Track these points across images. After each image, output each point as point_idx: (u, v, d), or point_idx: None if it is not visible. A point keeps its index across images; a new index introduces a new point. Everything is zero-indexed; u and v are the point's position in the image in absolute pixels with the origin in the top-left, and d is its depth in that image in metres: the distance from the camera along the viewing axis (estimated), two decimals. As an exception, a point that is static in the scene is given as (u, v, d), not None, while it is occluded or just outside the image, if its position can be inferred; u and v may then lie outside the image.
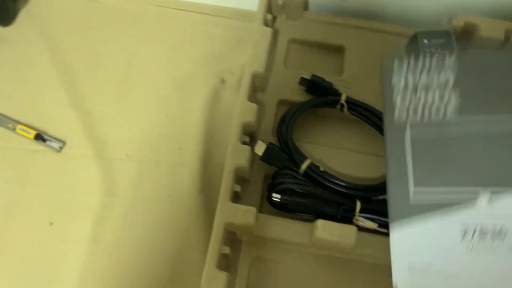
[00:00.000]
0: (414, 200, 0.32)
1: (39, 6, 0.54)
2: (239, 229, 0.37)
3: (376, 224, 0.37)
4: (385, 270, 0.37)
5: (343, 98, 0.42)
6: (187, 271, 0.41)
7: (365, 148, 0.43)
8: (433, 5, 0.50)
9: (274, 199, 0.38)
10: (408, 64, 0.37)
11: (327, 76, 0.45)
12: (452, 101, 0.34)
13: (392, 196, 0.33)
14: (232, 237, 0.39)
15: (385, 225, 0.37)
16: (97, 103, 0.48)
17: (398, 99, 0.36)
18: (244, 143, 0.39)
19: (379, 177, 0.40)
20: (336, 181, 0.38)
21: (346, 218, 0.37)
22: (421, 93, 0.35)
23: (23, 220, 0.43)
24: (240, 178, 0.40)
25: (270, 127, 0.44)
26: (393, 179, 0.33)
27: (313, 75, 0.43)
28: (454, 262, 0.30)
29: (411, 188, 0.32)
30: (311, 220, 0.37)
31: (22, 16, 0.53)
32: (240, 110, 0.40)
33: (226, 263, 0.37)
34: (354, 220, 0.37)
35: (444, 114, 0.34)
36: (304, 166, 0.39)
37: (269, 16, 0.46)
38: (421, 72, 0.36)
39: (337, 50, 0.48)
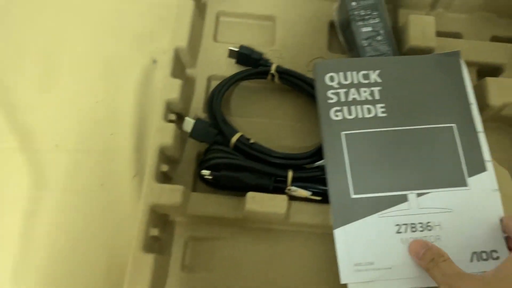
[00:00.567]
0: (353, 204, 0.34)
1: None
2: (168, 209, 0.36)
3: (310, 193, 0.36)
4: (321, 237, 0.37)
5: (273, 68, 0.41)
6: (125, 259, 0.39)
7: (299, 117, 0.42)
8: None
9: (204, 175, 0.36)
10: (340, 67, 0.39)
11: (260, 47, 0.43)
12: (379, 109, 0.37)
13: (334, 201, 0.35)
14: (165, 219, 0.38)
15: (319, 193, 0.36)
16: (21, 93, 0.45)
17: (331, 102, 0.37)
18: (171, 121, 0.38)
19: (314, 145, 0.40)
20: (267, 152, 0.37)
21: (278, 188, 0.36)
22: (353, 97, 0.38)
23: None
24: (169, 158, 0.38)
25: (201, 104, 0.42)
26: (333, 185, 0.35)
27: (241, 46, 0.42)
28: (392, 254, 0.33)
29: (351, 195, 0.34)
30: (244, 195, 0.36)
31: None
32: (163, 86, 0.38)
33: (157, 246, 0.36)
34: (286, 190, 0.36)
35: (375, 118, 0.37)
36: (233, 139, 0.37)
37: (194, -11, 0.44)
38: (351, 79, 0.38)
39: (268, 20, 0.46)
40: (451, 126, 0.36)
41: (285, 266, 0.37)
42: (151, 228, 0.34)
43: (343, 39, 0.45)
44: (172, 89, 0.38)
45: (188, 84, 0.41)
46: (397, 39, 0.42)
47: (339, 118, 0.36)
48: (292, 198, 0.36)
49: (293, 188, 0.36)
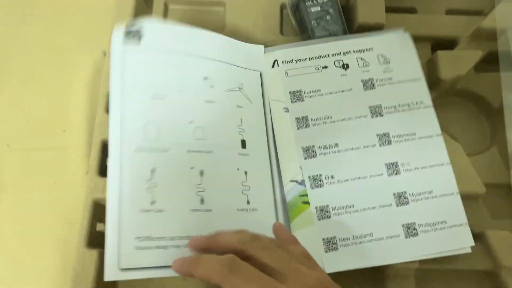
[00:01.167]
0: None
1: None
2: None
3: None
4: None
5: (221, 54, 0.40)
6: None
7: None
8: None
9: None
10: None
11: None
12: None
13: None
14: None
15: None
16: (-31, 94, 0.44)
17: None
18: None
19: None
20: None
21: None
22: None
23: None
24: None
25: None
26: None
27: (189, 32, 0.41)
28: None
29: None
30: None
31: None
32: (104, 78, 0.37)
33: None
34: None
35: None
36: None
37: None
38: None
39: (218, 6, 0.45)
40: None
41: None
42: (97, 222, 0.34)
43: (294, 21, 0.44)
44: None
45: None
46: (347, 18, 0.41)
47: None
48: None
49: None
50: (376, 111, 0.37)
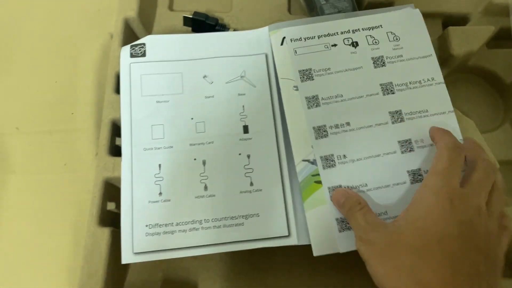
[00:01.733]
0: None
1: None
2: (123, 181, 0.35)
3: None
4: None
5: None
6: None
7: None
8: None
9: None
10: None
11: (217, 14, 0.42)
12: None
13: None
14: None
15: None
16: (-23, 78, 0.45)
17: None
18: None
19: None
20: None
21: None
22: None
23: None
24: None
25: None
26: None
27: (195, 13, 0.41)
28: None
29: None
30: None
31: None
32: (113, 58, 0.37)
33: (115, 219, 0.35)
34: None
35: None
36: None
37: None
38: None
39: (224, -15, 0.45)
40: None
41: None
42: (108, 201, 0.34)
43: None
44: (122, 60, 0.36)
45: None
46: (356, -6, 0.41)
47: None
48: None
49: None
50: (387, 89, 0.36)
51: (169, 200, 0.33)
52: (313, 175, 0.33)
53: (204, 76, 0.37)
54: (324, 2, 0.40)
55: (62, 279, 0.38)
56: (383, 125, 0.35)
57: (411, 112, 0.35)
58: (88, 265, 0.31)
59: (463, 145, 0.31)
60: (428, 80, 0.36)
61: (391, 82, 0.36)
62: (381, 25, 0.38)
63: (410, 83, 0.36)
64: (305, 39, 0.38)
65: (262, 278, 0.35)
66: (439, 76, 0.36)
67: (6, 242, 0.39)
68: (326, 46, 0.38)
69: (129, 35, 0.39)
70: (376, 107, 0.35)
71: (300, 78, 0.36)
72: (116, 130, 0.36)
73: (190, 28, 0.42)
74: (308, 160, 0.34)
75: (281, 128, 0.35)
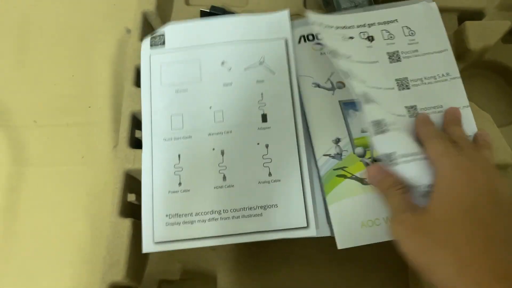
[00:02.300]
0: None
1: None
2: (144, 174, 0.36)
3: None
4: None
5: (246, 27, 0.40)
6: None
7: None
8: None
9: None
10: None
11: (234, 8, 0.42)
12: None
13: None
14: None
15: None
16: (-4, 71, 0.45)
17: None
18: (141, 86, 0.37)
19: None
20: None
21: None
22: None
23: None
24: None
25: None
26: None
27: (212, 7, 0.41)
28: None
29: None
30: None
31: None
32: (132, 51, 0.37)
33: (135, 211, 0.36)
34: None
35: None
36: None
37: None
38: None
39: (240, -20, 0.45)
40: None
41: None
42: (128, 193, 0.34)
43: (318, -7, 0.43)
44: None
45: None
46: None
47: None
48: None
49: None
50: (402, 84, 0.36)
51: (189, 190, 0.33)
52: (334, 169, 0.33)
53: (222, 63, 0.36)
54: (340, -4, 0.40)
55: (81, 269, 0.38)
56: (401, 117, 0.35)
57: (426, 107, 0.35)
58: (110, 255, 0.32)
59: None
60: (443, 75, 0.36)
61: (406, 78, 0.36)
62: (396, 20, 0.39)
63: (425, 78, 0.36)
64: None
65: (279, 270, 0.36)
66: (455, 70, 0.36)
67: (25, 234, 0.40)
68: (344, 38, 0.38)
69: (147, 30, 0.39)
70: (393, 101, 0.35)
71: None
72: (135, 122, 0.36)
73: (206, 22, 0.42)
74: (329, 155, 0.34)
75: (300, 116, 0.35)
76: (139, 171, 0.34)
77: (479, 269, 0.24)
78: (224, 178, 0.33)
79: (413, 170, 0.30)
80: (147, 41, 0.37)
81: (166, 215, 0.32)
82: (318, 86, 0.36)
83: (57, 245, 0.39)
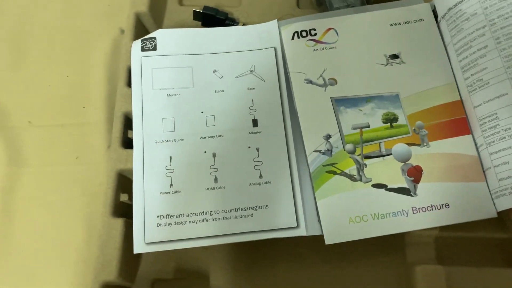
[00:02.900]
0: None
1: None
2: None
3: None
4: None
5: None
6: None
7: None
8: None
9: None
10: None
11: (227, 8, 0.42)
12: None
13: None
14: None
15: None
16: (-10, 72, 0.45)
17: None
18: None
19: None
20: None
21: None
22: None
23: None
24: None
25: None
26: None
27: (205, 7, 0.41)
28: None
29: None
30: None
31: None
32: (124, 52, 0.37)
33: (128, 210, 0.36)
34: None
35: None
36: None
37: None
38: None
39: (234, -20, 0.45)
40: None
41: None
42: (120, 193, 0.34)
43: (311, -7, 0.44)
44: (134, 52, 0.37)
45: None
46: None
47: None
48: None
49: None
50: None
51: (180, 192, 0.33)
52: (324, 165, 0.34)
53: (214, 71, 0.37)
54: (333, -4, 0.40)
55: (75, 269, 0.38)
56: None
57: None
58: (103, 255, 0.32)
59: None
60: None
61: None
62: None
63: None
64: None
65: (271, 269, 0.36)
66: None
67: (20, 233, 0.40)
68: None
69: (140, 30, 0.40)
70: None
71: None
72: (128, 123, 0.36)
73: (200, 23, 0.42)
74: (319, 151, 0.34)
75: (289, 121, 0.36)
76: (131, 171, 0.34)
77: None
78: (216, 180, 0.34)
79: None
80: (137, 44, 0.37)
81: (157, 216, 0.33)
82: (310, 82, 0.36)
83: (52, 244, 0.40)
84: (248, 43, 0.38)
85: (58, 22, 0.47)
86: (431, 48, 0.37)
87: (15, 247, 0.40)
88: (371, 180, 0.33)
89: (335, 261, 0.36)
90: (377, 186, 0.33)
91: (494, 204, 0.32)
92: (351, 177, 0.33)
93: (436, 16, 0.38)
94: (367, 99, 0.35)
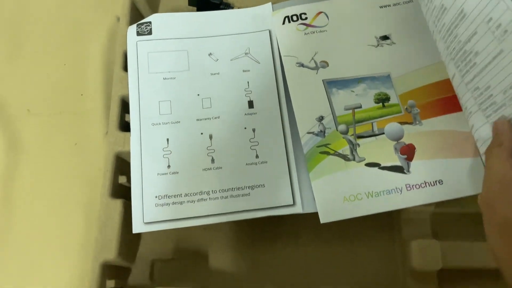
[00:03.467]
0: None
1: None
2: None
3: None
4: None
5: (233, 11, 0.40)
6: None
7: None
8: None
9: None
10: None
11: (222, -6, 0.43)
12: None
13: None
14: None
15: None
16: (-12, 62, 0.46)
17: None
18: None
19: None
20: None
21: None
22: None
23: None
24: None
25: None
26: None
27: (199, -7, 0.41)
28: None
29: None
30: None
31: None
32: (120, 37, 0.38)
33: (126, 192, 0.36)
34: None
35: None
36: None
37: None
38: None
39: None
40: None
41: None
42: (119, 175, 0.35)
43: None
44: (129, 39, 0.37)
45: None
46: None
47: None
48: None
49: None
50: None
51: (177, 173, 0.34)
52: (318, 146, 0.34)
53: (210, 54, 0.37)
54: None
55: (76, 255, 0.39)
56: None
57: None
58: (102, 235, 0.33)
59: None
60: None
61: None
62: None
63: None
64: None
65: (269, 247, 0.37)
66: None
67: (20, 221, 0.40)
68: None
69: (136, 16, 0.40)
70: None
71: None
72: (125, 106, 0.37)
73: (195, 8, 0.42)
74: (312, 132, 0.35)
75: (285, 102, 0.36)
76: (129, 154, 0.34)
77: None
78: (213, 160, 0.34)
79: None
80: (133, 28, 0.38)
81: (156, 196, 0.33)
82: (302, 65, 0.37)
83: (52, 230, 0.40)
84: (243, 26, 0.39)
85: (55, 12, 0.48)
86: (421, 28, 0.37)
87: (15, 233, 0.40)
88: (364, 160, 0.34)
89: (331, 239, 0.37)
90: (370, 165, 0.34)
91: None
92: (344, 157, 0.34)
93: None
94: (359, 80, 0.36)
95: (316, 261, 0.36)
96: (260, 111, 0.36)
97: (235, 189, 0.34)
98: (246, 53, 0.38)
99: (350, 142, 0.34)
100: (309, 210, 0.33)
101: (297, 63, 0.37)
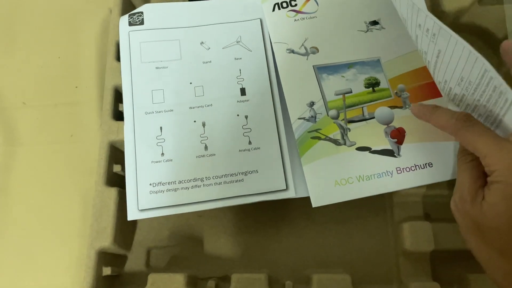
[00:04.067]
0: None
1: None
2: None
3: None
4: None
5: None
6: (99, 202, 0.40)
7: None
8: None
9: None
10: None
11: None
12: None
13: None
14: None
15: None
16: (-17, 55, 0.46)
17: None
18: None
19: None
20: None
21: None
22: None
23: None
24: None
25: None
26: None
27: (191, -18, 0.42)
28: None
29: None
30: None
31: None
32: (112, 27, 0.38)
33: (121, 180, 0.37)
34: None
35: None
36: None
37: None
38: None
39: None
40: None
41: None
42: (114, 164, 0.35)
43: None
44: (120, 28, 0.38)
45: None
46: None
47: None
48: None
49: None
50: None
51: (171, 160, 0.34)
52: (309, 132, 0.34)
53: (201, 43, 0.38)
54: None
55: (73, 243, 0.39)
56: None
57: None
58: (97, 222, 0.33)
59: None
60: None
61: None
62: None
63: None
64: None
65: (264, 232, 0.37)
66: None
67: (16, 211, 0.41)
68: None
69: (128, 6, 0.40)
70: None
71: None
72: (118, 96, 0.37)
73: (186, -1, 0.43)
74: (303, 118, 0.35)
75: (277, 89, 0.37)
76: (123, 142, 0.35)
77: None
78: (206, 147, 0.35)
79: None
80: (125, 19, 0.38)
81: (150, 184, 0.34)
82: (292, 52, 0.37)
83: (48, 221, 0.41)
84: (234, 15, 0.39)
85: (49, 3, 0.48)
86: None
87: (12, 224, 0.41)
88: (355, 144, 0.34)
89: (325, 222, 0.37)
90: (361, 149, 0.34)
91: None
92: (335, 142, 0.34)
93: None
94: (349, 65, 0.36)
95: (310, 244, 0.37)
96: (252, 98, 0.36)
97: (229, 175, 0.34)
98: (237, 41, 0.38)
99: (340, 126, 0.34)
100: (302, 194, 0.34)
101: (287, 49, 0.37)
